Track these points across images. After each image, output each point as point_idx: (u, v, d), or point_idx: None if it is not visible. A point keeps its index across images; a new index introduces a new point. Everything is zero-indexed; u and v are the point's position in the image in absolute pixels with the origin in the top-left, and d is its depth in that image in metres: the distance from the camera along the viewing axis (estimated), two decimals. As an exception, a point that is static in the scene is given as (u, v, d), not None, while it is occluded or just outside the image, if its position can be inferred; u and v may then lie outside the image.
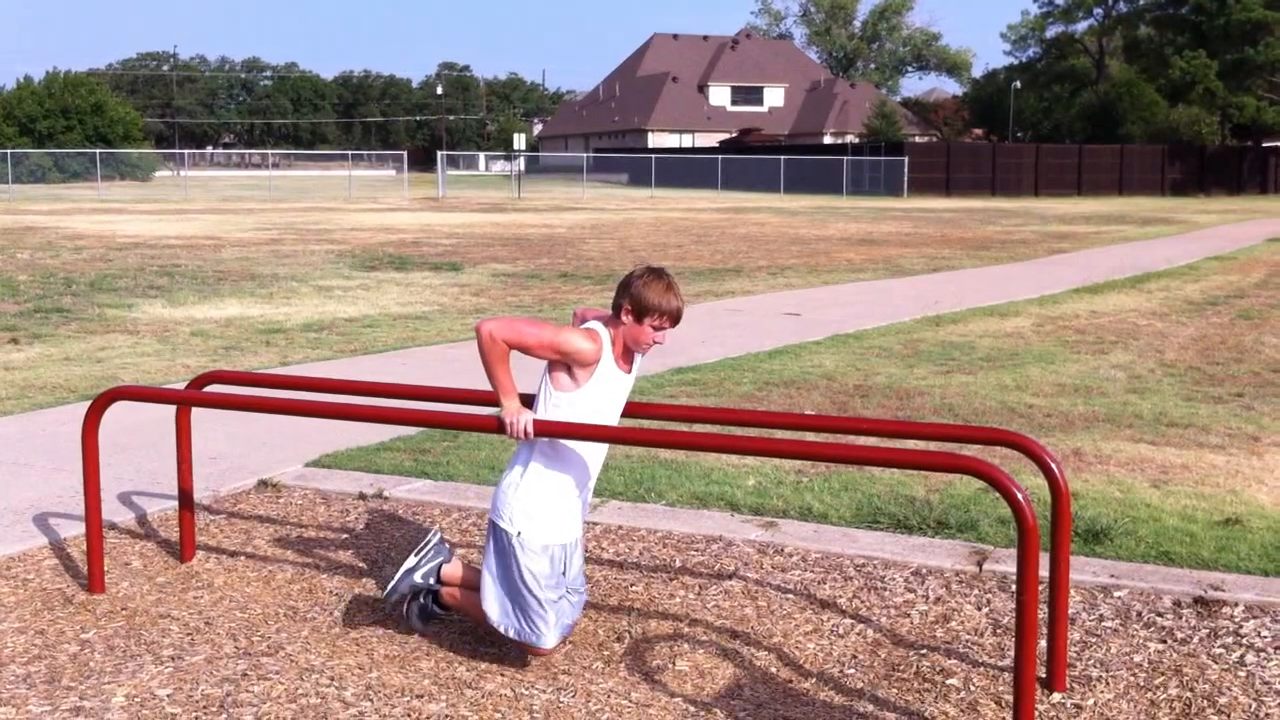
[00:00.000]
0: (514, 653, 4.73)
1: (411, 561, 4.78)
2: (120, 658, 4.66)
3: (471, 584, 4.77)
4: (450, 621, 5.06)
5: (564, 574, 4.57)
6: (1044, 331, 13.39)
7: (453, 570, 4.84)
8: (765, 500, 6.56)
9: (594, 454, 4.60)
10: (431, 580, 4.79)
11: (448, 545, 4.94)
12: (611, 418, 4.56)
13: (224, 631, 4.94)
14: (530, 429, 4.35)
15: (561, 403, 4.46)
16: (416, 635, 4.91)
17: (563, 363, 4.42)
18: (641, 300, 4.36)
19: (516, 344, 4.37)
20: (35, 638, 4.86)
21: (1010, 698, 4.27)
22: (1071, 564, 4.75)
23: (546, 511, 4.49)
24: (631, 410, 5.00)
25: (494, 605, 4.54)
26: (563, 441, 4.47)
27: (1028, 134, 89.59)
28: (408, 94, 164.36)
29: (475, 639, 4.89)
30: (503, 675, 4.54)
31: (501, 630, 4.55)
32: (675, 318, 4.42)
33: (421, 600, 4.82)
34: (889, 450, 4.22)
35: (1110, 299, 16.70)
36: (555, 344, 4.36)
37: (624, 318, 4.42)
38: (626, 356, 4.53)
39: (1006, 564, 5.51)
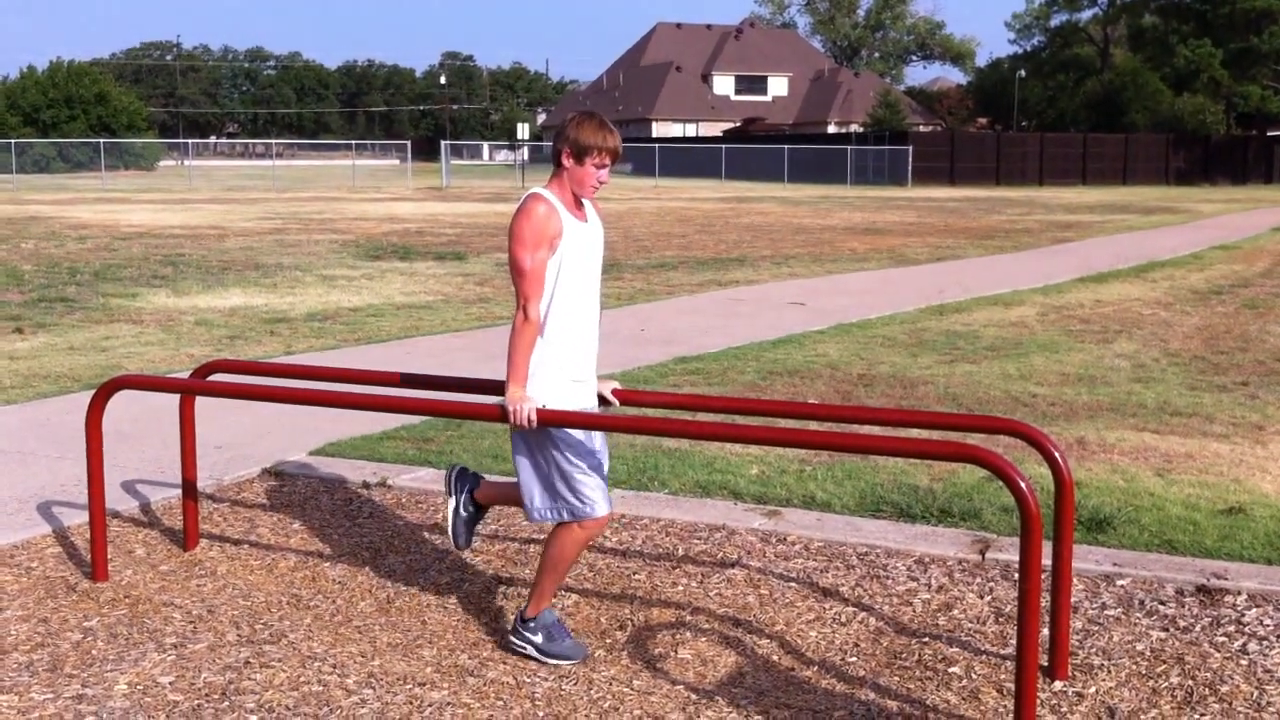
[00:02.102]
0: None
1: (452, 503, 4.91)
2: (123, 645, 4.67)
3: (510, 494, 4.85)
4: (453, 609, 5.07)
5: (602, 458, 4.61)
6: (1048, 321, 13.38)
7: (484, 492, 4.94)
8: (768, 489, 6.56)
9: (586, 322, 4.57)
10: (470, 508, 4.92)
11: (471, 472, 5.00)
12: (594, 269, 4.59)
13: (227, 619, 4.94)
14: (534, 417, 4.34)
15: (552, 269, 4.44)
16: (419, 623, 4.92)
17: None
18: (579, 141, 4.41)
19: (538, 284, 4.38)
20: (38, 625, 4.86)
21: (1012, 686, 4.27)
22: (1074, 552, 4.75)
23: (564, 384, 4.49)
24: (634, 398, 5.00)
25: (538, 498, 4.52)
26: (558, 318, 4.45)
27: (1032, 123, 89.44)
28: (411, 84, 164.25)
29: (478, 627, 4.90)
30: (505, 663, 4.55)
31: (553, 519, 4.53)
32: (614, 154, 4.46)
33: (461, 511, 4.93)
34: (892, 439, 4.22)
35: (1114, 288, 16.68)
36: (530, 241, 4.35)
37: (565, 162, 4.45)
38: (578, 209, 4.53)
39: (1009, 552, 5.51)
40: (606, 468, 4.68)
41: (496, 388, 4.80)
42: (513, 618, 4.79)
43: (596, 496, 4.47)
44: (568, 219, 4.43)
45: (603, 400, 4.79)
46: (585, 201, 4.60)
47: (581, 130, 4.42)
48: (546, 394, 4.44)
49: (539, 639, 4.60)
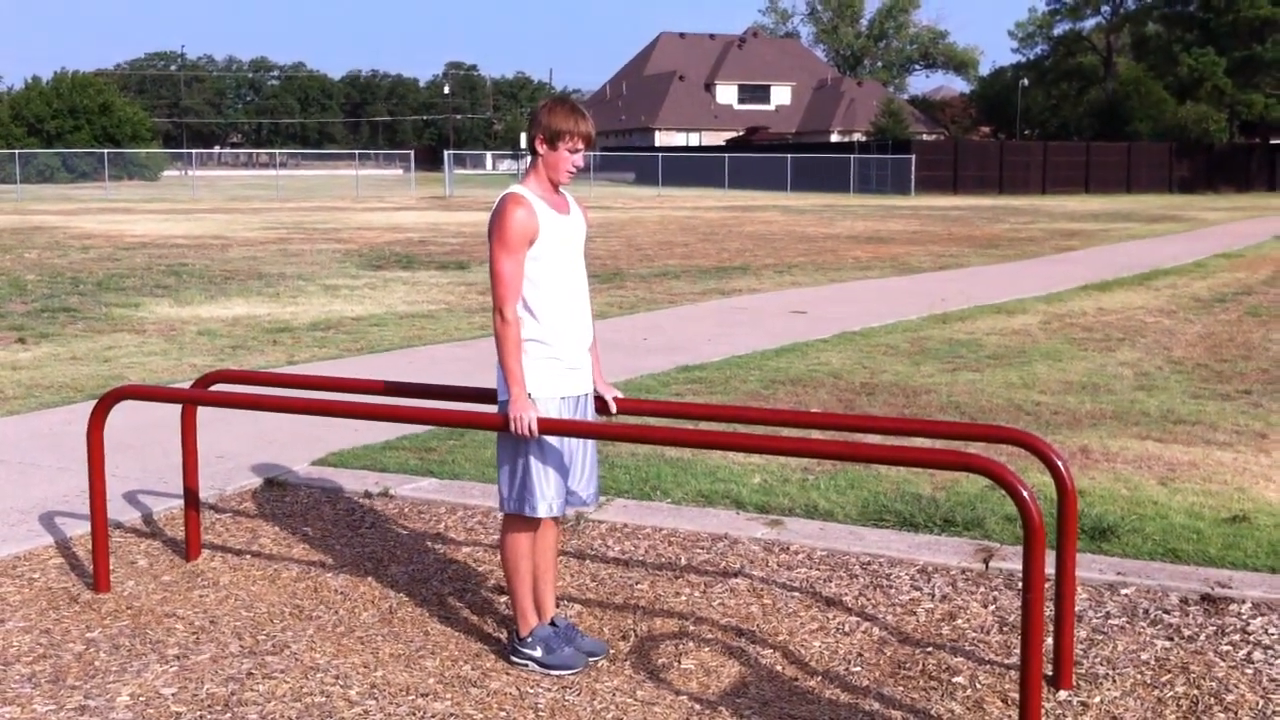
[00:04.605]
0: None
1: (538, 651, 4.67)
2: (125, 657, 4.66)
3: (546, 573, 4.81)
4: (456, 620, 5.06)
5: (570, 464, 4.55)
6: (1051, 329, 13.36)
7: (544, 606, 4.80)
8: (771, 498, 6.55)
9: (575, 311, 4.54)
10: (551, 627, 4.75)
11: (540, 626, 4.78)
12: (575, 262, 4.56)
13: (229, 630, 4.93)
14: (534, 426, 4.33)
15: (535, 264, 4.43)
16: (422, 633, 4.91)
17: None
18: (551, 126, 4.42)
19: (515, 290, 4.38)
20: (40, 637, 4.86)
21: (1016, 695, 4.26)
22: (1078, 561, 4.74)
23: (558, 372, 4.49)
24: (637, 408, 4.99)
25: (505, 488, 4.53)
26: (547, 310, 4.43)
27: (1035, 132, 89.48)
28: (415, 93, 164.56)
29: (481, 637, 4.89)
30: (508, 674, 4.54)
31: (505, 510, 4.54)
32: (586, 138, 4.46)
33: None
34: (895, 448, 4.20)
35: (1118, 296, 16.66)
36: (510, 245, 4.36)
37: (539, 148, 4.46)
38: (556, 201, 4.52)
39: (1013, 561, 5.50)
40: (584, 475, 4.65)
41: (496, 397, 4.78)
42: (509, 635, 4.77)
43: (545, 495, 4.47)
44: (546, 214, 4.43)
45: (604, 408, 4.78)
46: (566, 194, 4.60)
47: (553, 115, 4.44)
48: (540, 383, 4.44)
49: (538, 653, 4.59)
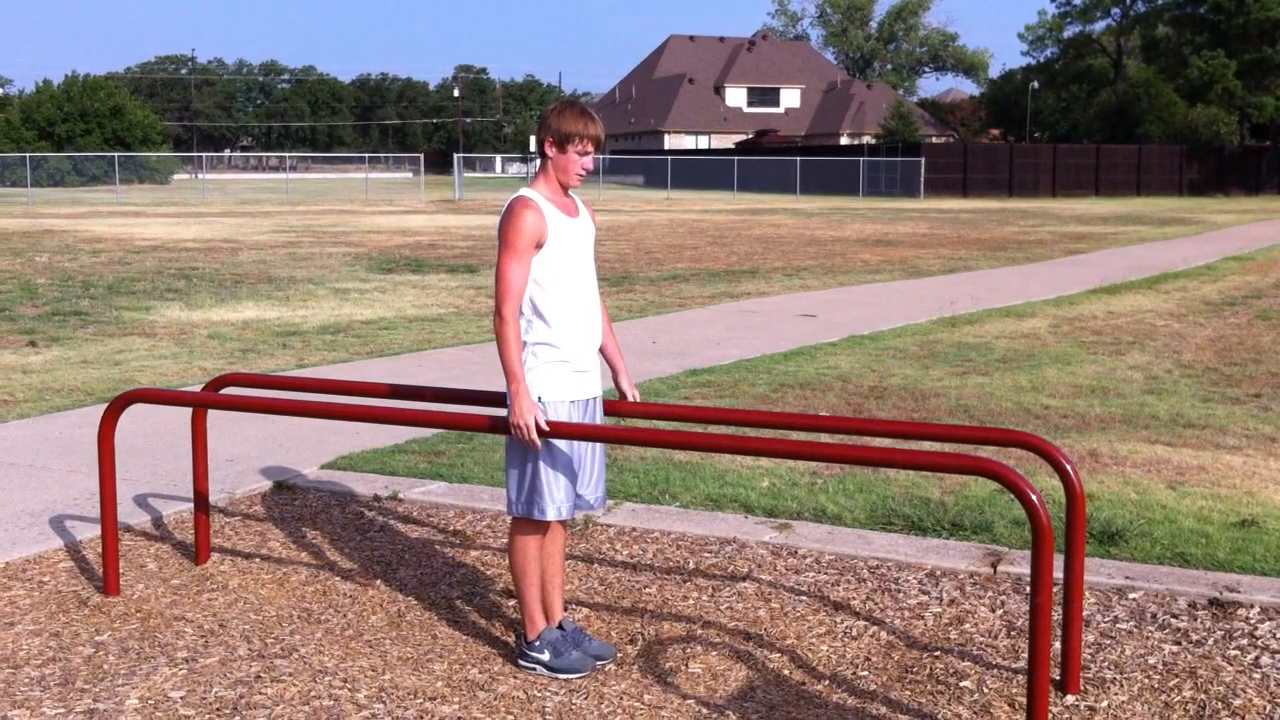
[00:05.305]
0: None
1: (545, 655, 4.68)
2: (134, 660, 4.68)
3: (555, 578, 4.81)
4: (464, 623, 5.08)
5: (579, 467, 4.55)
6: (1060, 332, 13.35)
7: (551, 608, 4.81)
8: (779, 502, 6.55)
9: (585, 314, 4.55)
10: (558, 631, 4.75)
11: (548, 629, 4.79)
12: (584, 265, 4.56)
13: (238, 633, 4.95)
14: (535, 436, 4.31)
15: (545, 267, 4.45)
16: (430, 637, 4.92)
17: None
18: (560, 129, 4.44)
19: (516, 291, 4.39)
20: (50, 640, 4.87)
21: (1024, 700, 4.26)
22: (1086, 565, 4.74)
23: (568, 375, 4.49)
24: (645, 411, 5.00)
25: (513, 490, 4.53)
26: (557, 313, 4.44)
27: (1045, 134, 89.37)
28: (424, 96, 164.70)
29: (489, 640, 4.90)
30: (516, 678, 4.55)
31: (514, 513, 4.54)
32: (595, 141, 4.48)
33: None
34: (903, 452, 4.20)
35: (1127, 300, 16.64)
36: (518, 249, 4.37)
37: (549, 151, 4.47)
38: (565, 204, 4.53)
39: (1021, 566, 5.49)
40: (592, 478, 4.65)
41: (505, 400, 4.79)
42: (517, 638, 4.78)
43: (554, 498, 4.48)
44: (555, 217, 4.44)
45: (614, 408, 4.80)
46: (575, 196, 4.60)
47: (563, 119, 4.44)
48: (549, 386, 4.44)
49: (546, 656, 4.60)
